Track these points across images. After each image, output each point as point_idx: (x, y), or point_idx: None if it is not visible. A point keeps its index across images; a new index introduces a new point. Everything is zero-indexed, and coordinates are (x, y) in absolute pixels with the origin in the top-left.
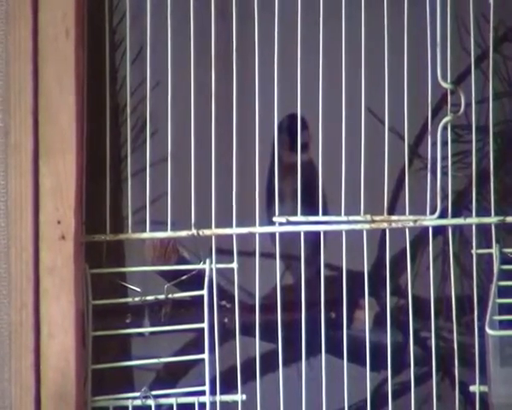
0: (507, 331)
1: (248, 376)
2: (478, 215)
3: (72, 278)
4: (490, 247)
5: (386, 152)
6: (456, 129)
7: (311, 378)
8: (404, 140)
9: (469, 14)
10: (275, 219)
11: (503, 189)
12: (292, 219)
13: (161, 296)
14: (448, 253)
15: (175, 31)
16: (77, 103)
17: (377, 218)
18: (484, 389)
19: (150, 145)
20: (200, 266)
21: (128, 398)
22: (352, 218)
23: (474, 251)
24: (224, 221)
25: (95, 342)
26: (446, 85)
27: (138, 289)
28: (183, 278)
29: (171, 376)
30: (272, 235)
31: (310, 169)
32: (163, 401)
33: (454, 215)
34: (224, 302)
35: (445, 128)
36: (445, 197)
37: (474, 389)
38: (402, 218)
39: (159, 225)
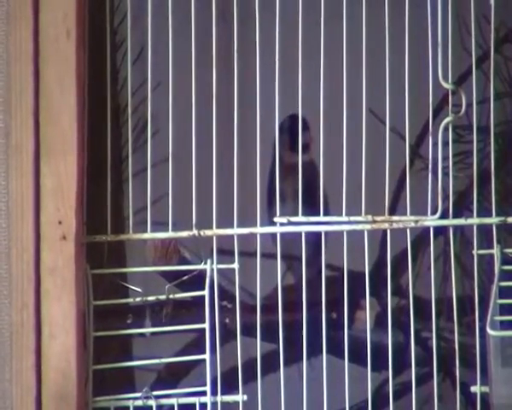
0: (508, 332)
1: (249, 376)
2: (479, 216)
3: (74, 278)
4: (491, 247)
5: (387, 152)
6: (457, 129)
7: (312, 379)
8: (405, 140)
9: (470, 14)
10: (276, 219)
11: (505, 189)
12: (293, 219)
13: (162, 297)
14: (449, 253)
15: (176, 31)
16: (78, 104)
17: (378, 218)
18: (485, 389)
19: (151, 146)
20: (202, 266)
21: (129, 398)
22: (353, 218)
23: (475, 252)
24: (225, 222)
25: (96, 342)
26: (447, 86)
27: (139, 290)
28: (185, 278)
29: (172, 376)
30: (273, 235)
31: (311, 169)
32: (164, 401)
33: (455, 216)
34: (225, 303)
35: (446, 128)
36: (446, 198)
37: (475, 389)
38: (403, 218)
39: (160, 225)
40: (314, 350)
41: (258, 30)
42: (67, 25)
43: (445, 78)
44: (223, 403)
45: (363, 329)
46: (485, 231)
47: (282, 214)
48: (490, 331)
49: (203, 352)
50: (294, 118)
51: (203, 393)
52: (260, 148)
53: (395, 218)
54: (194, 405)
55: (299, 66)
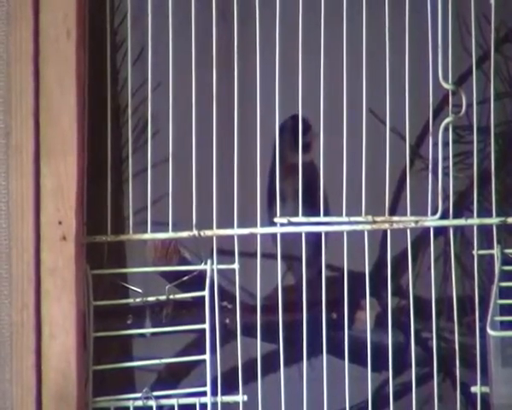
0: (508, 332)
1: (250, 376)
2: (479, 216)
3: (74, 278)
4: (491, 248)
5: (387, 153)
6: (457, 130)
7: (312, 379)
8: (405, 141)
9: (471, 14)
10: (276, 219)
11: (505, 190)
12: (293, 219)
13: (162, 297)
14: (449, 253)
15: (176, 32)
16: (78, 104)
17: (378, 219)
18: (485, 389)
19: (151, 146)
20: (202, 266)
21: (129, 399)
22: (353, 219)
23: (475, 252)
24: (226, 222)
25: (96, 342)
26: (448, 86)
27: (139, 290)
28: (185, 278)
29: (172, 377)
30: (273, 236)
31: (311, 170)
32: (164, 401)
33: (455, 216)
34: (225, 303)
35: (446, 129)
36: (446, 198)
37: (476, 389)
38: (403, 218)
39: (160, 225)
40: (314, 350)
41: (259, 30)
42: (68, 25)
43: (446, 78)
44: (223, 403)
45: (364, 329)
46: (485, 231)
47: (282, 215)
48: (490, 332)
49: (203, 352)
50: (297, 118)
51: (203, 393)
52: (260, 148)
53: (395, 218)
54: (194, 405)
55: (300, 66)
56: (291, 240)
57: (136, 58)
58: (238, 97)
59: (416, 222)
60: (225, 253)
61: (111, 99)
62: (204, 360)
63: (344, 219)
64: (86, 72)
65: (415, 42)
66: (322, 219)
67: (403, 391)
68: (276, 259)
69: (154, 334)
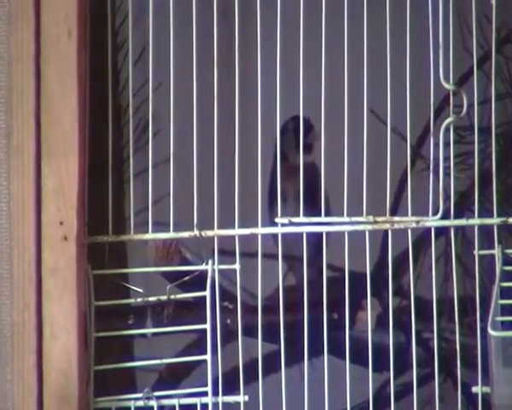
0: (509, 332)
1: (251, 377)
2: (480, 216)
3: (75, 279)
4: (492, 248)
5: (388, 153)
6: (458, 130)
7: (313, 379)
8: (406, 141)
9: (472, 14)
10: (277, 220)
11: (506, 190)
12: (294, 220)
13: (164, 297)
14: (450, 254)
15: (177, 32)
16: (79, 104)
17: (379, 219)
18: (486, 389)
19: (152, 146)
20: (203, 267)
21: (130, 399)
22: (354, 219)
23: (476, 252)
24: (227, 222)
25: (97, 343)
26: (449, 86)
27: (140, 290)
28: (186, 279)
29: (173, 377)
30: (274, 236)
31: (312, 170)
32: (165, 401)
33: (456, 216)
34: (226, 303)
35: (447, 129)
36: (447, 198)
37: (477, 390)
38: (404, 219)
39: (161, 226)
40: (315, 351)
41: (260, 30)
42: (69, 25)
43: (447, 78)
44: (224, 404)
45: (365, 329)
46: (486, 231)
47: (283, 215)
48: (491, 332)
49: (204, 352)
50: (299, 119)
51: (204, 393)
52: (262, 148)
53: (396, 218)
54: (195, 405)
55: (301, 66)
56: (292, 240)
57: (137, 58)
58: (239, 97)
59: (417, 222)
60: (226, 253)
61: (112, 99)
62: (205, 361)
63: (345, 219)
64: (87, 72)
65: (416, 42)
66: (323, 219)
67: (404, 392)
68: (277, 259)
69: (155, 334)
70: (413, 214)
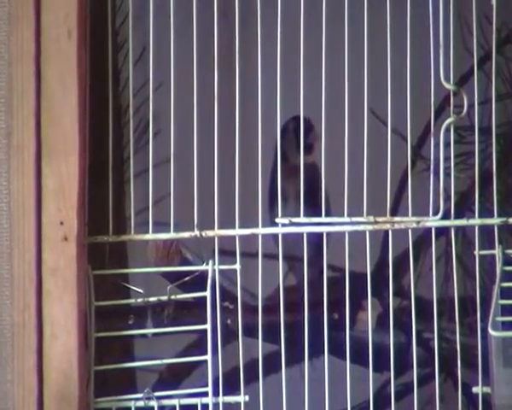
0: (509, 332)
1: (251, 377)
2: (481, 216)
3: (75, 279)
4: (492, 248)
5: (388, 153)
6: (458, 130)
7: (313, 379)
8: (406, 141)
9: (472, 15)
10: (277, 220)
11: (506, 190)
12: (295, 220)
13: (164, 298)
14: (451, 254)
15: (178, 32)
16: (79, 104)
17: (380, 219)
18: (487, 390)
19: (153, 146)
20: (203, 267)
21: (131, 399)
22: (354, 219)
23: (476, 252)
24: (227, 222)
25: (97, 343)
26: (449, 87)
27: (141, 291)
28: (186, 279)
29: (173, 377)
30: (275, 236)
31: (313, 170)
32: (166, 402)
33: (457, 216)
34: (226, 303)
35: (447, 129)
36: (447, 198)
37: (477, 390)
38: (405, 219)
39: (161, 226)
40: (316, 351)
41: (260, 30)
42: (69, 25)
43: (447, 78)
44: (224, 404)
45: (365, 329)
46: (486, 231)
47: (283, 215)
48: (491, 332)
49: (205, 353)
50: (299, 119)
51: (205, 394)
52: (262, 148)
53: (397, 219)
54: (195, 406)
55: (301, 66)
56: (292, 240)
57: (137, 58)
58: (240, 97)
59: (418, 222)
60: (227, 253)
61: (112, 99)
62: (205, 361)
63: (345, 219)
64: (88, 72)
65: (416, 42)
66: (323, 219)
67: (404, 392)
68: (278, 259)
69: (155, 334)
70: (413, 214)
